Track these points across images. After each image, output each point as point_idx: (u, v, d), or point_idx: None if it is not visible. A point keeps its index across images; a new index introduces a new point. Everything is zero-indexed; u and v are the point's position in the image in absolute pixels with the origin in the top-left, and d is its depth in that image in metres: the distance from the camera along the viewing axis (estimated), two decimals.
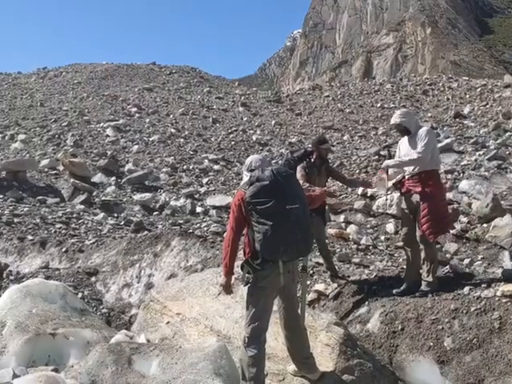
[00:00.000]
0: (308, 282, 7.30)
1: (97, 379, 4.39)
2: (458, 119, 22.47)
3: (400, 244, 8.26)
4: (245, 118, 29.48)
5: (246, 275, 4.29)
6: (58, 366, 5.13)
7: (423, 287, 6.11)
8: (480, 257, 7.02)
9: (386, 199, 9.81)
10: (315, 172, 7.03)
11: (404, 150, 6.38)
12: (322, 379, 4.48)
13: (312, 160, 7.08)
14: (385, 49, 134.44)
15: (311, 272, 7.53)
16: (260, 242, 4.10)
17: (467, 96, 28.82)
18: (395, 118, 6.33)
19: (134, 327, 6.46)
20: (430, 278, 6.09)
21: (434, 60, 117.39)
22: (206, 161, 20.74)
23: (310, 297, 6.93)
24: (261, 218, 4.11)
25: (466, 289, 5.81)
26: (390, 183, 6.91)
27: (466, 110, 24.12)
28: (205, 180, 18.30)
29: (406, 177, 6.29)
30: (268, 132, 26.02)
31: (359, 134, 23.48)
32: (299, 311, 4.57)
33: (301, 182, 5.75)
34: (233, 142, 23.94)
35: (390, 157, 6.67)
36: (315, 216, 6.45)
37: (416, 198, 6.14)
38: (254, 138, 24.61)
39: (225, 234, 10.35)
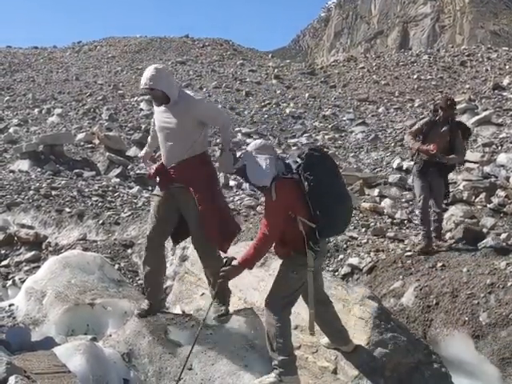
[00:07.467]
0: (342, 256, 7.32)
1: (134, 348, 4.51)
2: (496, 91, 21.86)
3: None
4: (278, 91, 29.22)
5: None
6: (97, 335, 5.28)
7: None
8: None
9: None
10: None
11: (161, 120, 4.71)
12: (356, 352, 4.48)
13: None
14: (422, 19, 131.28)
15: (345, 246, 7.52)
16: None
17: (507, 67, 27.93)
18: (144, 81, 4.49)
19: (170, 298, 6.56)
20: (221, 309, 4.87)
21: (472, 30, 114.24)
22: (239, 134, 20.70)
23: (344, 270, 6.94)
24: None
25: (503, 264, 5.74)
26: None
27: (506, 82, 23.42)
28: (238, 154, 18.30)
29: (172, 164, 4.76)
30: (302, 105, 25.77)
31: (395, 106, 23.08)
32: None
33: None
34: (266, 116, 23.80)
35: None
36: None
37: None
38: (287, 111, 24.42)
39: (258, 208, 10.49)
